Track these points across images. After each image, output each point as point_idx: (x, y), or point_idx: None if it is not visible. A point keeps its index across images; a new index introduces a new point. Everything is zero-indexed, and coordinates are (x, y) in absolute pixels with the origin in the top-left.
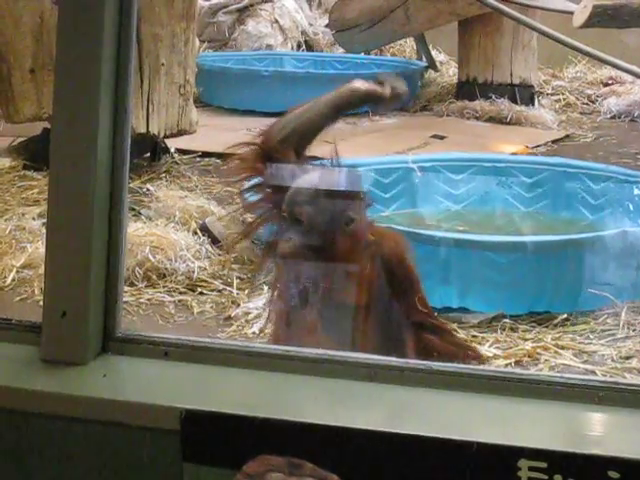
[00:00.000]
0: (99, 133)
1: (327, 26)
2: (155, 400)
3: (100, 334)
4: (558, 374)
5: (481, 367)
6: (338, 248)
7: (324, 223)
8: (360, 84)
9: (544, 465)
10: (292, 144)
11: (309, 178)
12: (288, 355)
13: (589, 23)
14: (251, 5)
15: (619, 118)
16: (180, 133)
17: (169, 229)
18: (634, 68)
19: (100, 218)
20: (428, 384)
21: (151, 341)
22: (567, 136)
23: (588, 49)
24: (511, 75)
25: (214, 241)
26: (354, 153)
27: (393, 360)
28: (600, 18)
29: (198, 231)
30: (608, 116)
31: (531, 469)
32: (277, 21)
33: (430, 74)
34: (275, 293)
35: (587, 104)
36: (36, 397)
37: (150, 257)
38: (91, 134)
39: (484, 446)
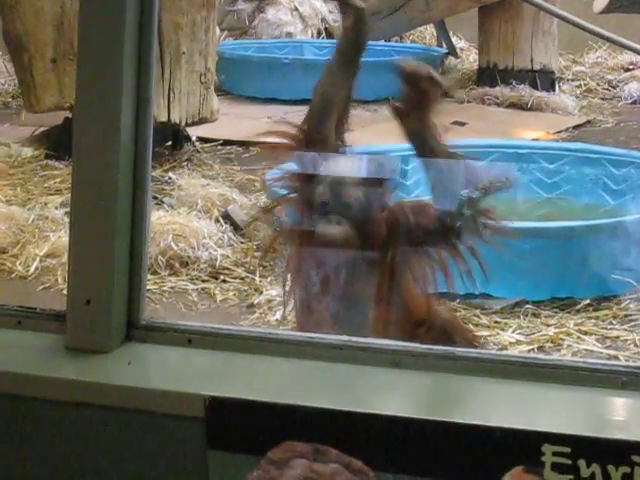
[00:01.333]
0: (121, 122)
1: None
2: (179, 387)
3: (124, 322)
4: (581, 359)
5: (504, 352)
6: (376, 232)
7: (367, 209)
8: (343, 21)
9: (568, 450)
10: (333, 123)
11: (343, 166)
12: (312, 342)
13: (609, 8)
14: None
15: None
16: (201, 121)
17: (191, 217)
18: None
19: (123, 206)
20: (452, 370)
21: (175, 329)
22: (588, 122)
23: (608, 34)
24: (532, 61)
25: (236, 229)
26: (375, 140)
27: (417, 346)
28: (620, 3)
29: (220, 219)
30: (629, 101)
31: (555, 454)
32: (297, 9)
33: (451, 61)
34: (293, 280)
35: (608, 89)
36: (61, 385)
37: (173, 245)
38: (114, 123)
39: (508, 431)
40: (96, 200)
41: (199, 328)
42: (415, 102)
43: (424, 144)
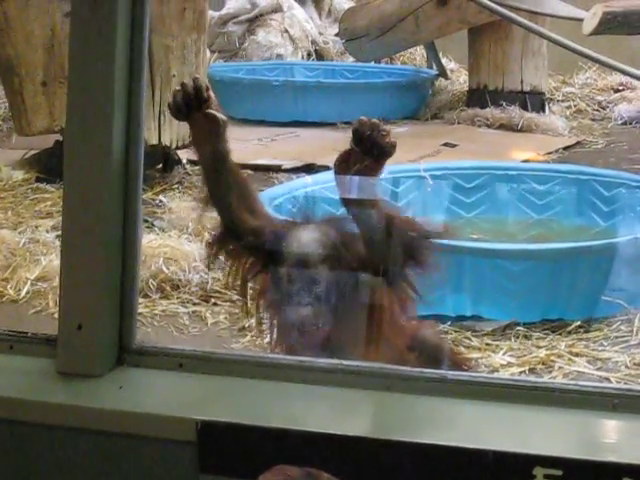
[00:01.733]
0: (112, 146)
1: (337, 35)
2: (171, 412)
3: (116, 346)
4: (572, 382)
5: (496, 375)
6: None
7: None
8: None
9: (560, 473)
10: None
11: (305, 238)
12: (303, 365)
13: (599, 30)
14: (261, 15)
15: (630, 124)
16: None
17: (182, 240)
18: None
19: (115, 230)
20: (444, 393)
21: (166, 353)
22: (578, 143)
23: (597, 56)
24: (522, 82)
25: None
26: None
27: (408, 370)
28: (610, 25)
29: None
30: (619, 122)
31: (546, 477)
32: (287, 31)
33: (441, 82)
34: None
35: (598, 110)
36: (52, 409)
37: (164, 268)
38: (104, 147)
39: (500, 454)
40: (87, 224)
41: (190, 352)
42: (360, 162)
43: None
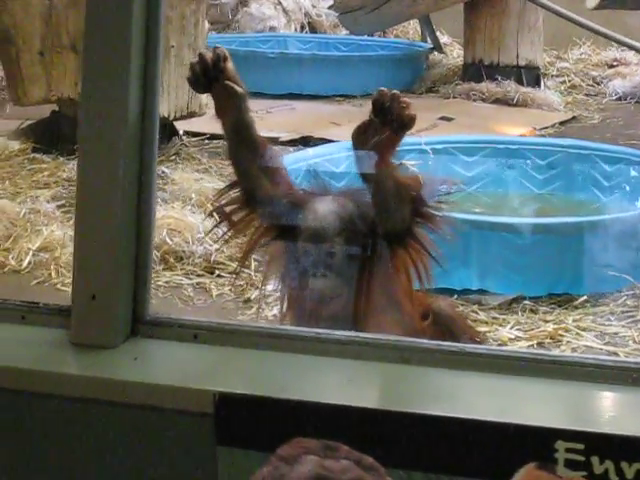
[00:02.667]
0: (129, 115)
1: (331, 8)
2: (188, 383)
3: (129, 317)
4: (591, 356)
5: (515, 349)
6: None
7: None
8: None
9: (581, 447)
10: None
11: (321, 209)
12: (319, 337)
13: (602, 4)
14: None
15: (625, 100)
16: (190, 115)
17: (186, 212)
18: None
19: (129, 201)
20: (462, 366)
21: (180, 324)
22: (574, 118)
23: (603, 30)
24: (517, 57)
25: (225, 218)
26: None
27: (426, 342)
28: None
29: (214, 214)
30: (614, 98)
31: (568, 450)
32: (280, 3)
33: (435, 56)
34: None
35: (592, 86)
36: (66, 380)
37: (167, 240)
38: (120, 116)
39: (521, 428)
40: (102, 193)
41: (205, 323)
42: (379, 134)
43: (375, 178)
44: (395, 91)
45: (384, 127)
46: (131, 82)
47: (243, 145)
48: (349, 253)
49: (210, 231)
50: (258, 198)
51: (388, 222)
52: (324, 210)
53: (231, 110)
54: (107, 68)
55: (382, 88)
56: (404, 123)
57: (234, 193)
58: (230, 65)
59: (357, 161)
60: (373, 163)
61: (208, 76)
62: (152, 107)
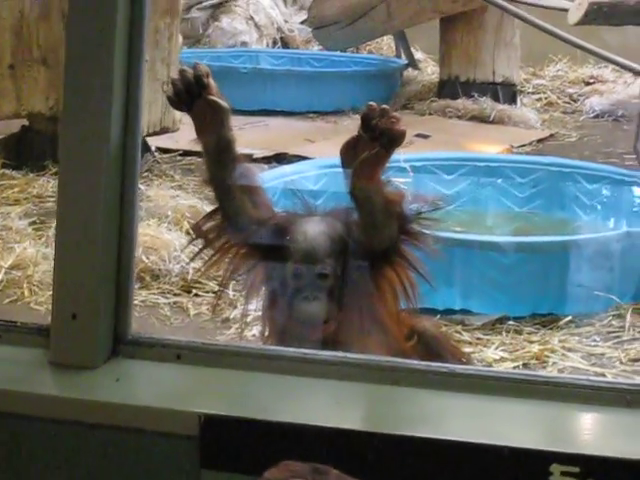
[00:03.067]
0: (111, 131)
1: (304, 22)
2: (172, 405)
3: (111, 337)
4: (584, 377)
5: (507, 370)
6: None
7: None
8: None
9: (577, 470)
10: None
11: (310, 227)
12: (306, 358)
13: (585, 20)
14: (225, 1)
15: (602, 117)
16: (163, 131)
17: (162, 229)
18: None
19: (111, 218)
20: (453, 387)
21: (163, 344)
22: (551, 135)
23: (584, 43)
24: (493, 73)
25: (205, 240)
26: (338, 152)
27: (415, 363)
28: (596, 15)
29: (191, 231)
30: (591, 115)
31: (563, 474)
32: (252, 18)
33: (409, 72)
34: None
35: (569, 103)
36: (45, 402)
37: (143, 258)
38: (103, 132)
39: (515, 451)
40: (83, 211)
41: (188, 344)
42: (368, 149)
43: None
44: (385, 106)
45: (373, 143)
46: (114, 97)
47: (224, 165)
48: (339, 274)
49: (187, 247)
50: (240, 221)
51: (376, 240)
52: (314, 231)
53: (214, 127)
54: (89, 82)
55: (371, 103)
56: (394, 139)
57: (215, 218)
58: (212, 81)
59: (345, 177)
60: (361, 180)
61: (190, 93)
62: (134, 123)
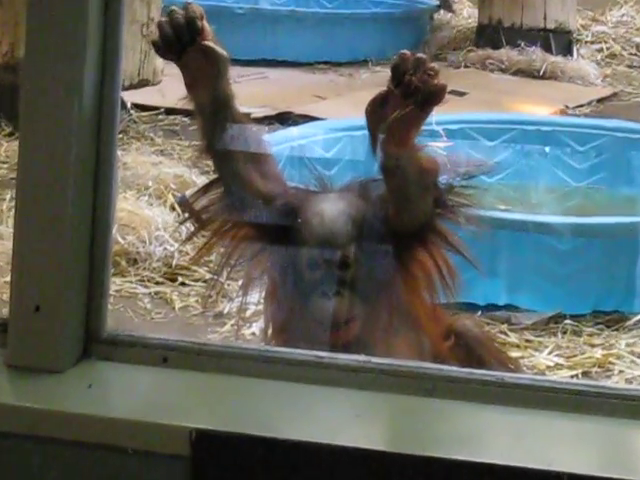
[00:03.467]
0: (85, 82)
1: None
2: (157, 418)
3: (82, 334)
4: None
5: (563, 380)
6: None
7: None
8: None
9: None
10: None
11: (329, 207)
12: (322, 363)
13: None
14: None
15: None
16: (142, 84)
17: (141, 204)
18: None
19: (83, 189)
20: (498, 400)
21: (146, 344)
22: (615, 94)
23: None
24: (545, 18)
25: (197, 219)
26: (354, 112)
27: (454, 370)
28: None
29: (177, 206)
30: None
31: None
32: None
33: (442, 15)
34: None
35: (636, 55)
36: (2, 412)
37: (119, 238)
38: (75, 83)
39: (575, 478)
40: (49, 180)
41: (177, 343)
42: (400, 109)
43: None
44: (421, 55)
45: (406, 100)
46: (88, 39)
47: (222, 127)
48: (365, 263)
49: (173, 226)
50: (244, 196)
51: (407, 217)
52: (333, 211)
53: (209, 80)
54: (57, 21)
55: (404, 51)
56: (431, 95)
57: (213, 192)
58: (207, 25)
59: (371, 143)
60: (392, 145)
61: (181, 38)
62: (113, 72)
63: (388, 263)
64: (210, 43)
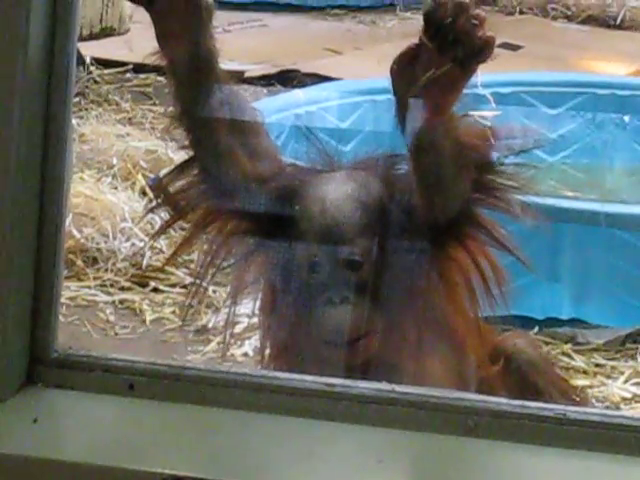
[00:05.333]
0: (31, 30)
1: None
2: (121, 461)
3: (25, 354)
4: None
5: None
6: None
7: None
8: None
9: None
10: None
11: (334, 192)
12: (331, 392)
13: None
14: None
15: None
16: (104, 34)
17: (103, 187)
18: None
19: (27, 170)
20: (559, 441)
21: (108, 367)
22: None
23: None
24: None
25: (173, 207)
26: (377, 71)
27: (502, 402)
28: None
29: (148, 190)
30: None
31: None
32: None
33: None
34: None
35: None
36: None
37: (74, 231)
38: (17, 32)
39: None
40: None
41: (146, 367)
42: (436, 67)
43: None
44: None
45: (444, 56)
46: None
47: (202, 89)
48: (383, 263)
49: (143, 216)
50: (229, 178)
51: (440, 204)
52: (337, 195)
53: (187, 32)
54: None
55: None
56: (476, 50)
57: (189, 173)
58: None
59: (398, 110)
60: (424, 113)
61: None
62: (68, 18)
63: (415, 264)
64: None
